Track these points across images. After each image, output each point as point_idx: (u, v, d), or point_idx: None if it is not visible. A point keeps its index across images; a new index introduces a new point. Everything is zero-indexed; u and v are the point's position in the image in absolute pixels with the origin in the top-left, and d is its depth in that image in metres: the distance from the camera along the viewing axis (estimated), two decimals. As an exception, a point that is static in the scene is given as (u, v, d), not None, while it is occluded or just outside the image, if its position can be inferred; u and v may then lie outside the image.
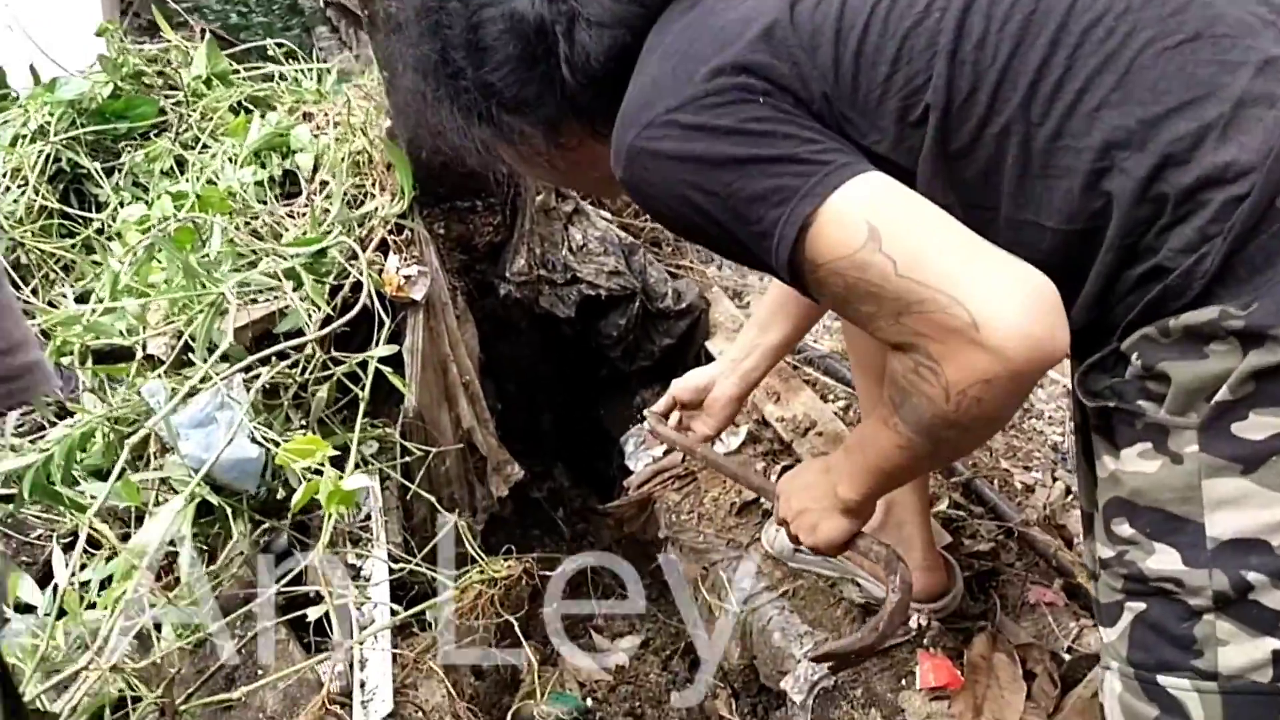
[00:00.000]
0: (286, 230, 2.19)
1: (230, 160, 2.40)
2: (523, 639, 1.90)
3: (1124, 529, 1.03)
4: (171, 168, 2.49)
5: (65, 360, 1.84)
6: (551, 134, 1.26)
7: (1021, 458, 2.29)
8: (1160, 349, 0.98)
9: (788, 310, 1.75)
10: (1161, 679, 0.99)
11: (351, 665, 1.72)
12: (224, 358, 1.83)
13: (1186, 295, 0.96)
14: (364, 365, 1.98)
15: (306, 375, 1.95)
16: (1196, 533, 0.96)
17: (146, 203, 2.36)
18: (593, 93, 1.20)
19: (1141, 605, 1.02)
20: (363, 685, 1.67)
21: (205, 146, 2.53)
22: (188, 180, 2.38)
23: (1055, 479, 2.24)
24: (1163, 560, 0.99)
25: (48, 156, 2.45)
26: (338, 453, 1.75)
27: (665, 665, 2.35)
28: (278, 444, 1.74)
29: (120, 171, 2.53)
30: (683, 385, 1.86)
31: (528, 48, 1.19)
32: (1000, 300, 0.93)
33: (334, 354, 1.97)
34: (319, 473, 1.62)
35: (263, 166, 2.41)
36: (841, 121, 1.07)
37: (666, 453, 2.48)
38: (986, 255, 0.96)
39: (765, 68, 1.06)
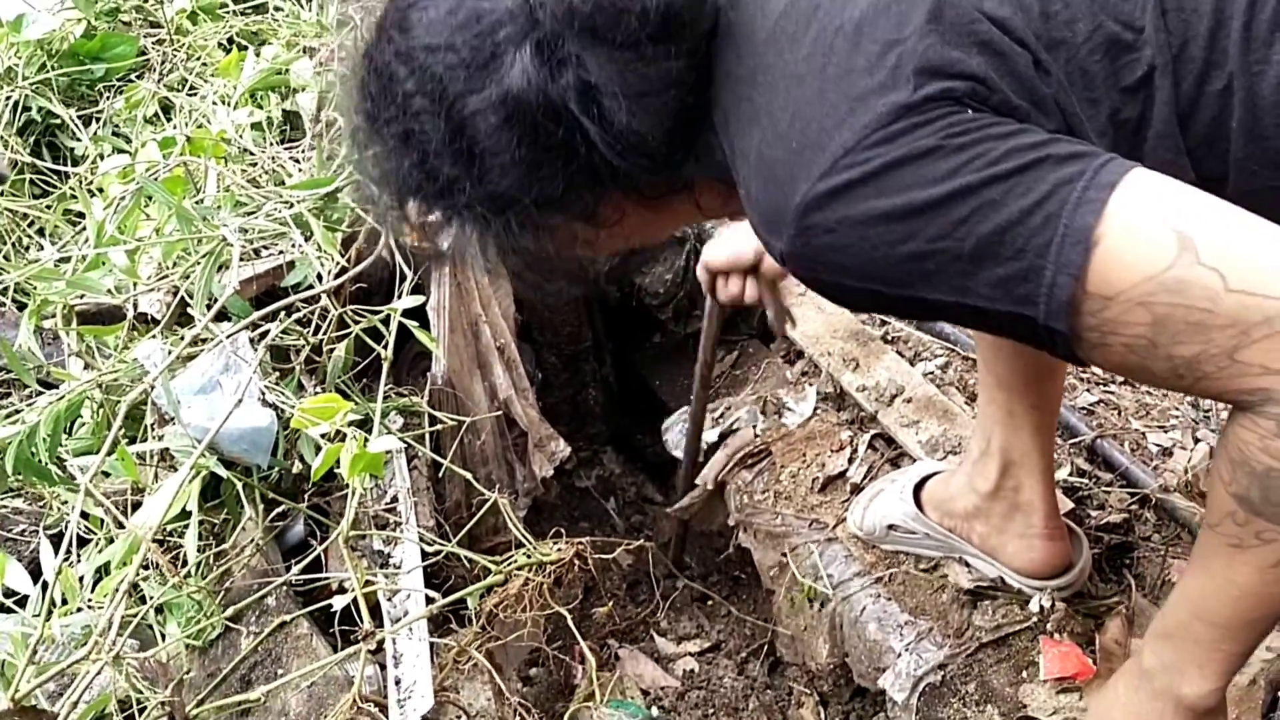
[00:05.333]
0: (290, 176, 2.22)
1: (222, 102, 2.43)
2: (579, 636, 1.90)
3: None
4: (156, 114, 2.53)
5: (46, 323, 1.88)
6: (588, 219, 1.17)
7: (1156, 416, 2.26)
8: None
9: None
10: None
11: (384, 662, 1.73)
12: (226, 315, 1.85)
13: None
14: (386, 322, 1.99)
15: (321, 335, 1.96)
16: None
17: (129, 153, 2.39)
18: (646, 161, 1.11)
19: None
20: (398, 682, 1.69)
21: (193, 89, 2.57)
22: (174, 127, 2.42)
23: (1197, 440, 2.20)
24: None
25: (16, 104, 2.50)
26: (360, 418, 1.76)
27: (741, 669, 2.35)
28: (291, 411, 1.75)
29: (98, 120, 2.58)
30: (718, 260, 1.79)
31: (539, 138, 1.07)
32: None
33: (350, 308, 1.98)
34: (340, 438, 1.64)
35: (259, 108, 2.44)
36: (1059, 97, 0.98)
37: (724, 435, 2.48)
38: None
39: (955, 64, 0.96)
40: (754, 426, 2.45)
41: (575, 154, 1.08)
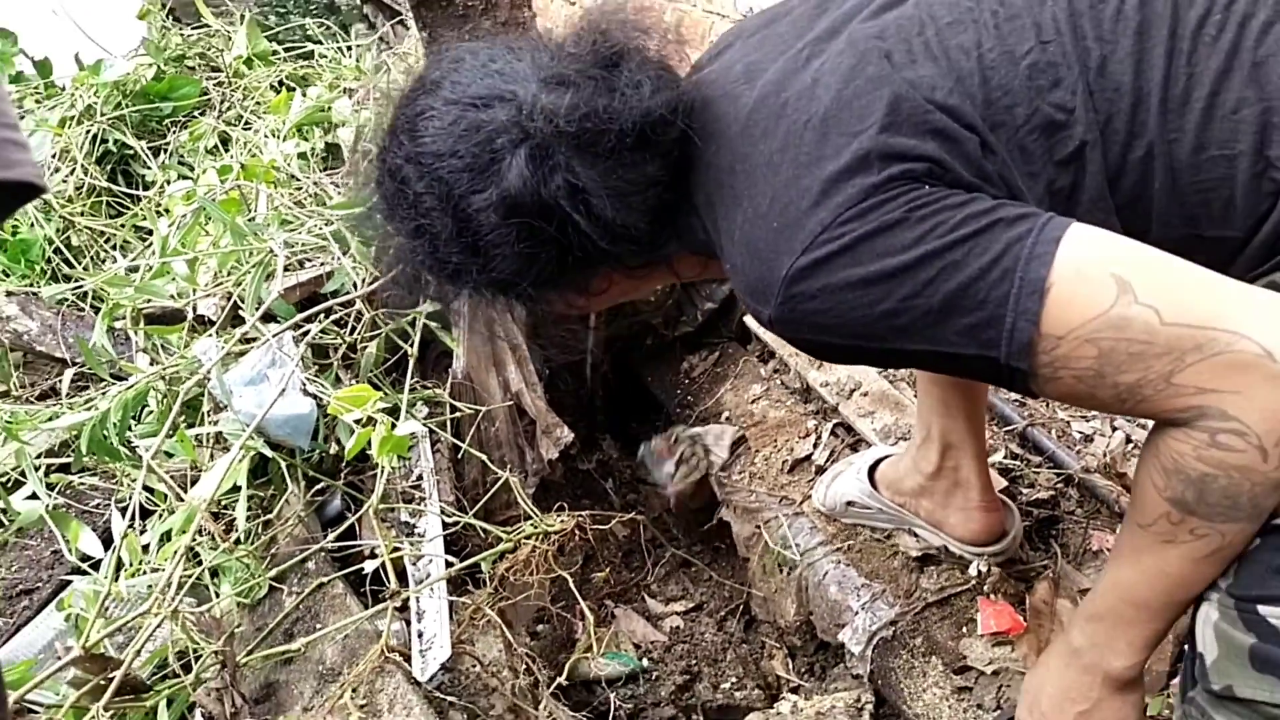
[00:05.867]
0: (330, 198, 2.20)
1: (273, 135, 2.42)
2: (579, 597, 1.88)
3: None
4: (216, 146, 2.52)
5: (118, 324, 1.86)
6: (580, 291, 1.18)
7: (1079, 409, 2.25)
8: None
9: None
10: (1262, 609, 0.93)
11: (409, 619, 1.72)
12: (273, 317, 1.83)
13: None
14: (413, 324, 1.97)
15: (355, 335, 1.94)
16: None
17: (192, 179, 2.38)
18: (634, 247, 1.11)
19: (1256, 541, 0.96)
20: (420, 635, 1.67)
21: (248, 124, 2.56)
22: (231, 156, 2.41)
23: (1115, 428, 2.19)
24: None
25: (95, 136, 2.49)
26: (389, 407, 1.74)
27: (720, 626, 2.32)
28: (329, 399, 1.73)
29: (166, 151, 2.57)
30: None
31: (534, 233, 1.06)
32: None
33: (381, 311, 1.96)
34: (371, 423, 1.62)
35: (305, 140, 2.43)
36: (1003, 172, 0.98)
37: (678, 464, 2.45)
38: (1232, 283, 0.88)
39: (913, 149, 0.96)
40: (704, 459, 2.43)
41: (568, 244, 1.08)
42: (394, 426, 1.57)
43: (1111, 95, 0.95)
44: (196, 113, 2.65)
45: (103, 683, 1.40)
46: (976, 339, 0.93)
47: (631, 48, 1.12)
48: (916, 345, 0.97)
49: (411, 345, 1.91)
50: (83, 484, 2.00)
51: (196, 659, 1.58)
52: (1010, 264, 0.90)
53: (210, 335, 1.82)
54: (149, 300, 1.88)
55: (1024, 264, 0.89)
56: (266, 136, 2.42)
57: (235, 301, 1.85)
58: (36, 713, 1.44)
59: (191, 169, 2.48)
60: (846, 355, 1.05)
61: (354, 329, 1.96)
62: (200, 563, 1.67)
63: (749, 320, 2.61)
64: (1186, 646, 1.05)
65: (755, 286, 1.03)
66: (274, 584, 1.75)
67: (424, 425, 1.85)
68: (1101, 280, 0.88)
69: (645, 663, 2.18)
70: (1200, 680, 0.99)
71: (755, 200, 1.02)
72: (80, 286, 2.10)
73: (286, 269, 1.92)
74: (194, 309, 1.88)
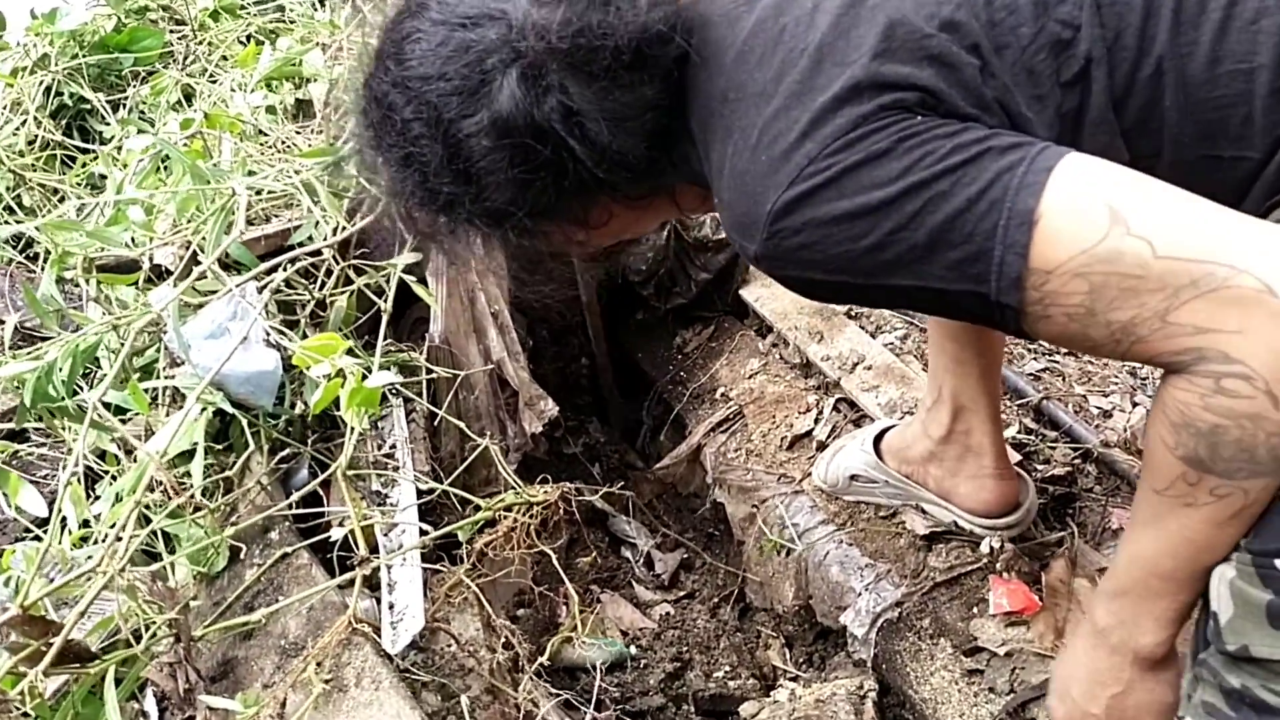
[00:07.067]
0: (299, 151, 2.12)
1: (239, 88, 2.34)
2: (563, 574, 1.81)
3: None
4: (179, 101, 2.44)
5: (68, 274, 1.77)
6: (579, 223, 1.17)
7: (1098, 383, 2.19)
8: None
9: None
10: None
11: (379, 597, 1.64)
12: (236, 267, 1.75)
13: None
14: (388, 281, 1.89)
15: (325, 291, 1.86)
16: None
17: (153, 135, 2.30)
18: (630, 174, 1.09)
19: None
20: (391, 607, 1.59)
21: (214, 78, 2.48)
22: (196, 110, 2.33)
23: (1135, 404, 2.13)
24: None
25: (49, 88, 2.41)
26: (358, 360, 1.66)
27: (713, 613, 2.25)
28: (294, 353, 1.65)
29: (125, 106, 2.48)
30: None
31: (529, 156, 1.05)
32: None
33: (354, 262, 1.88)
34: (340, 376, 1.54)
35: (273, 93, 2.35)
36: (1004, 99, 0.95)
37: None
38: (1232, 214, 0.85)
39: (906, 78, 0.94)
40: None
41: (564, 170, 1.06)
42: (364, 378, 1.48)
43: (1122, 9, 0.93)
44: (159, 66, 2.57)
45: (43, 648, 1.32)
46: (965, 274, 0.91)
47: None
48: (904, 281, 0.95)
49: (385, 300, 1.83)
50: (30, 455, 1.92)
51: (149, 631, 1.49)
52: (998, 195, 0.88)
53: (167, 285, 1.74)
54: (102, 249, 1.79)
55: (1013, 195, 0.88)
56: (233, 90, 2.34)
57: (195, 251, 1.77)
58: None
59: (152, 124, 2.39)
60: (834, 293, 1.03)
61: (323, 284, 1.87)
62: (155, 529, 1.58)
63: (745, 293, 2.55)
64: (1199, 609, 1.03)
65: (741, 222, 1.02)
66: (234, 544, 1.67)
67: (397, 377, 1.76)
68: (1093, 211, 0.86)
69: (633, 650, 2.11)
70: (1214, 641, 0.97)
71: (745, 132, 1.01)
72: (22, 226, 2.01)
73: (252, 223, 1.85)
74: (150, 258, 1.79)
